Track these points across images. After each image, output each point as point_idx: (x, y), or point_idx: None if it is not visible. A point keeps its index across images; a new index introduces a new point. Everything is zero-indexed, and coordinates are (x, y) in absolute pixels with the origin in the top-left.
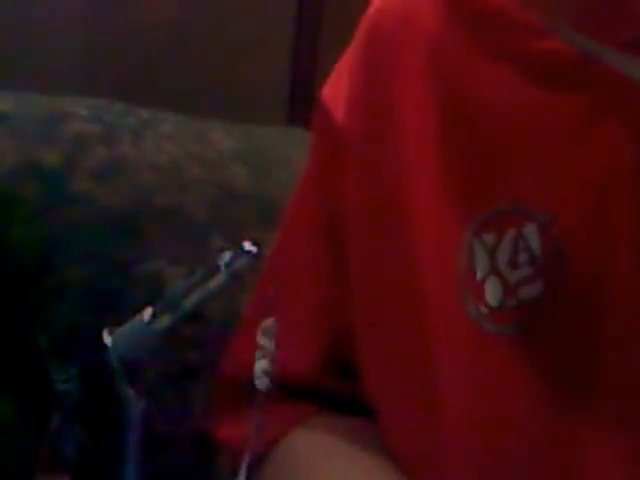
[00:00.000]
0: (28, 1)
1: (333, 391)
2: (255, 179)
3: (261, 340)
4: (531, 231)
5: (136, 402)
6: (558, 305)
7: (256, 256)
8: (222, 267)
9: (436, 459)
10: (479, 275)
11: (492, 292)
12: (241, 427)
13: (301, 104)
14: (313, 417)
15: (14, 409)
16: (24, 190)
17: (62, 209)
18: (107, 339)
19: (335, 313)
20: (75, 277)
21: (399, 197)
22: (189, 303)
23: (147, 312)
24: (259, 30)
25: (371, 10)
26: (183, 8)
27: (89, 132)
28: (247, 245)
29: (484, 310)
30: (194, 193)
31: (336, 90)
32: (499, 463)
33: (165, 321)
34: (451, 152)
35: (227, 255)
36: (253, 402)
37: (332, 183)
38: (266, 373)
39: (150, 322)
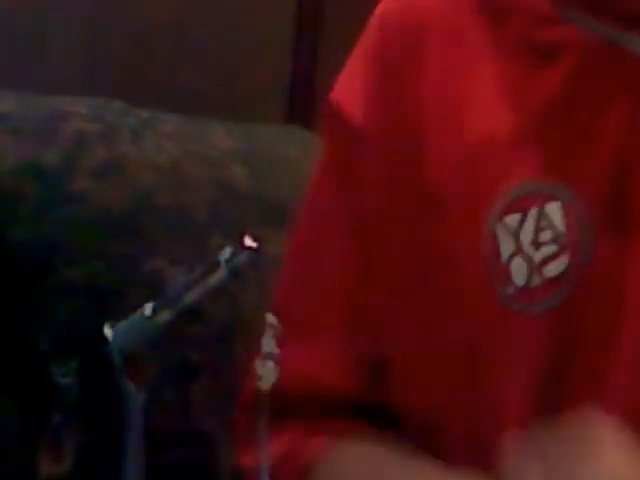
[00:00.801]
0: (29, 1)
1: (366, 399)
2: (255, 179)
3: (265, 344)
4: (554, 209)
5: (137, 395)
6: (582, 282)
7: (257, 252)
8: (222, 263)
9: (473, 412)
10: (504, 257)
11: (518, 272)
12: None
13: (301, 104)
14: (343, 443)
15: (14, 409)
16: (24, 190)
17: (62, 209)
18: (108, 333)
19: (364, 308)
20: (75, 277)
21: (423, 184)
22: (189, 298)
23: (148, 307)
24: (259, 30)
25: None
26: (183, 8)
27: (89, 132)
28: (247, 241)
29: (510, 290)
30: (194, 193)
31: (349, 88)
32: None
33: (165, 316)
34: (472, 139)
35: (227, 251)
36: (273, 427)
37: (353, 179)
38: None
39: (151, 316)
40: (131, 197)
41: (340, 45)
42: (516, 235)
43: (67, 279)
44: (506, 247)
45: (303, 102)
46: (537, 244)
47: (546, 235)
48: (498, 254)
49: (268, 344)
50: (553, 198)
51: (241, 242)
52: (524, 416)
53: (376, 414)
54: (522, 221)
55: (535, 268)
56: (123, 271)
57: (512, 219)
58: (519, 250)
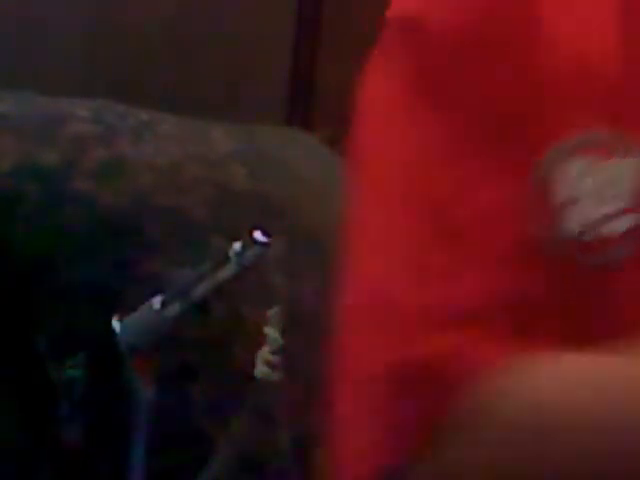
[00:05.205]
0: (28, 1)
1: None
2: (254, 180)
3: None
4: (628, 166)
5: (145, 389)
6: None
7: (266, 246)
8: (232, 257)
9: None
10: (558, 199)
11: (570, 220)
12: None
13: (301, 104)
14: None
15: (14, 409)
16: (24, 190)
17: (62, 209)
18: (116, 326)
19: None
20: (75, 277)
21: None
22: (198, 292)
23: (157, 300)
24: (259, 30)
25: None
26: (183, 8)
27: (89, 133)
28: (258, 235)
29: (558, 237)
30: (194, 193)
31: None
32: None
33: (174, 309)
34: (562, 55)
35: (237, 245)
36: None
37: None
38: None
39: (160, 310)
40: (131, 198)
41: (340, 46)
42: (577, 182)
43: (67, 279)
44: (561, 192)
45: (303, 102)
46: (600, 197)
47: (612, 190)
48: (550, 194)
49: (274, 336)
50: (630, 154)
51: (251, 236)
52: None
53: None
54: (587, 169)
55: (592, 222)
56: (122, 271)
57: (576, 165)
58: (576, 199)
